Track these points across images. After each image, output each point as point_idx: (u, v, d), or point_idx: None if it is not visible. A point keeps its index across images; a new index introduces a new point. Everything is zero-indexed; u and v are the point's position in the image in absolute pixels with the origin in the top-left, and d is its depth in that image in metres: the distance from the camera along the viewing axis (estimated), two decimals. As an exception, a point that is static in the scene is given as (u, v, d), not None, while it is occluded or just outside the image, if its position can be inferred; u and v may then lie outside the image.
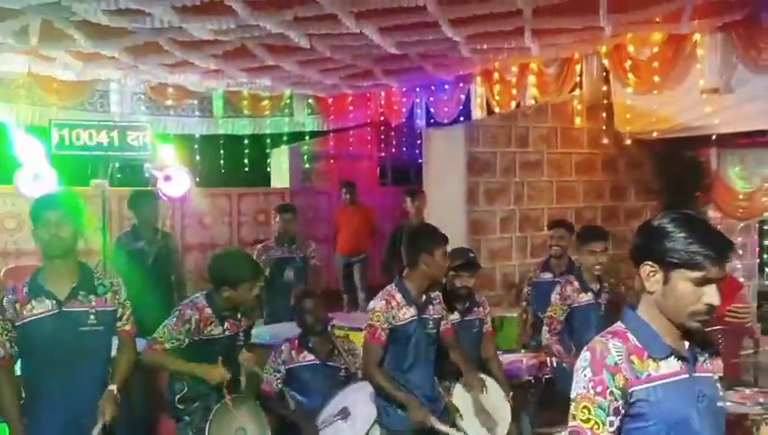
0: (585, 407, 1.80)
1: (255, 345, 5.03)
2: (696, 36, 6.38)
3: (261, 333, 5.54)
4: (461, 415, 3.78)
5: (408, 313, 3.70)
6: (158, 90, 9.07)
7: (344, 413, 3.88)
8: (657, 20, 6.21)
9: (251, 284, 3.65)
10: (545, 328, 4.63)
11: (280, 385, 4.16)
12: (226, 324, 3.69)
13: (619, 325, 1.91)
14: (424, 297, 3.79)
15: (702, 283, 1.78)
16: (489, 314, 4.64)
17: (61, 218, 2.92)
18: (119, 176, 8.77)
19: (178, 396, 3.68)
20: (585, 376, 1.81)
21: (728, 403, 3.78)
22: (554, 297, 4.62)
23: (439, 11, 5.58)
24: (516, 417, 4.47)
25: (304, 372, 4.17)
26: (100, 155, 7.98)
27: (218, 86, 8.99)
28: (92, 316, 2.98)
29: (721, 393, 1.93)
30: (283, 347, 4.23)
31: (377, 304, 3.70)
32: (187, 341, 3.58)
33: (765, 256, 8.62)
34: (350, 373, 4.27)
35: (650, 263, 1.84)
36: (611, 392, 1.78)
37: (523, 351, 5.27)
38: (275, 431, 4.22)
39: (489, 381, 4.20)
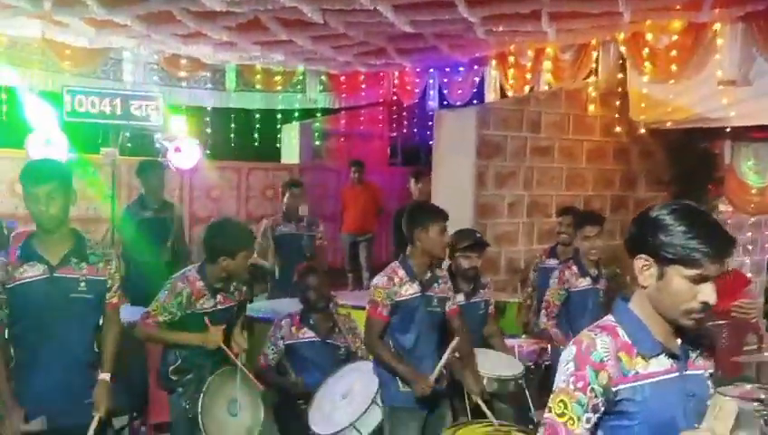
0: (562, 401, 1.74)
1: (256, 320, 5.08)
2: (717, 26, 6.26)
3: (263, 307, 5.57)
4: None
5: (411, 289, 3.68)
6: (172, 60, 9.04)
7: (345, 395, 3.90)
8: (678, 7, 6.10)
9: (247, 252, 3.69)
10: (543, 312, 4.67)
11: (276, 359, 4.19)
12: (219, 298, 3.70)
13: (609, 319, 1.84)
14: (429, 274, 3.76)
15: (698, 280, 1.70)
16: (492, 295, 4.65)
17: (49, 194, 2.86)
18: (129, 145, 8.81)
19: (172, 368, 3.69)
20: (568, 370, 1.75)
21: (725, 398, 3.76)
22: (552, 281, 4.67)
23: (455, -10, 5.51)
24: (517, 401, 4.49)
25: (303, 349, 4.20)
26: (112, 123, 8.02)
27: (231, 59, 8.94)
28: (83, 283, 2.97)
29: (711, 392, 1.87)
30: (283, 322, 4.25)
31: (379, 280, 3.70)
32: (179, 314, 3.58)
33: (774, 251, 8.53)
34: (350, 352, 4.29)
35: (644, 256, 1.77)
36: (592, 389, 1.72)
37: (523, 336, 5.27)
38: (275, 404, 4.27)
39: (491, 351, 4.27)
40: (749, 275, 8.15)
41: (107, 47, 8.33)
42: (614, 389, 1.73)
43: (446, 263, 4.41)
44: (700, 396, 1.82)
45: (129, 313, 4.06)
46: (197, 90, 9.59)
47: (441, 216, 3.71)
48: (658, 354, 1.78)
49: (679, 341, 1.82)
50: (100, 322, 3.10)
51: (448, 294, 3.88)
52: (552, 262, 5.58)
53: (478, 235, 4.55)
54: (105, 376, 3.02)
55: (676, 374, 1.80)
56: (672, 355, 1.80)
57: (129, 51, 8.68)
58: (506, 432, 3.39)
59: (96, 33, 7.39)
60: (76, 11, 6.52)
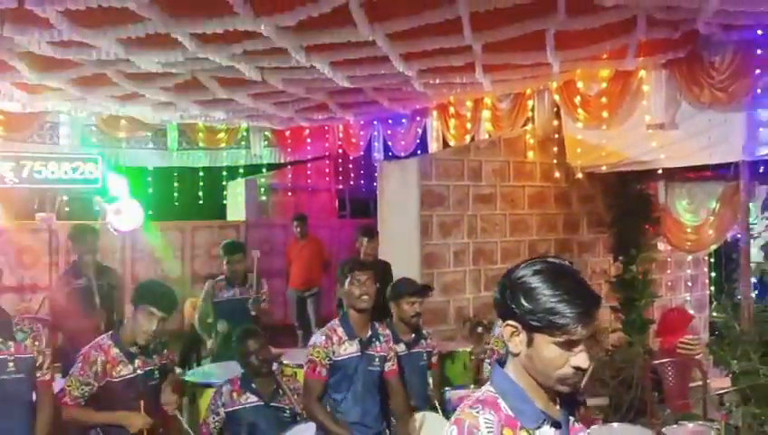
0: None
1: (198, 385, 4.91)
2: (642, 73, 6.53)
3: (207, 372, 5.40)
4: None
5: (350, 348, 3.63)
6: (110, 121, 8.93)
7: None
8: (604, 56, 6.34)
9: (150, 309, 3.47)
10: (486, 361, 4.65)
11: (218, 427, 4.04)
12: (137, 362, 3.58)
13: (488, 390, 1.72)
14: (369, 332, 3.71)
15: (569, 345, 1.62)
16: (435, 346, 4.62)
17: None
18: (67, 209, 8.59)
19: None
20: None
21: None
22: (497, 331, 4.64)
23: (389, 46, 5.60)
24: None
25: (247, 415, 4.06)
26: (48, 188, 7.84)
27: (172, 118, 8.88)
28: (11, 363, 2.90)
29: None
30: (223, 388, 4.12)
31: (317, 339, 3.64)
32: (96, 385, 3.46)
33: (713, 288, 8.75)
34: (295, 413, 4.17)
35: (512, 322, 1.68)
36: None
37: (472, 387, 5.21)
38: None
39: (436, 418, 4.16)
40: (691, 311, 8.34)
41: (42, 111, 8.18)
42: None
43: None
44: None
45: (61, 385, 3.88)
46: (138, 150, 9.49)
47: (355, 267, 3.69)
48: (541, 426, 1.68)
49: (558, 406, 1.73)
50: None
51: (389, 354, 3.82)
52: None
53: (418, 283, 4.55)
54: None
55: None
56: (555, 423, 1.70)
57: (66, 113, 8.54)
58: None
59: (29, 98, 7.26)
60: (7, 76, 6.40)
